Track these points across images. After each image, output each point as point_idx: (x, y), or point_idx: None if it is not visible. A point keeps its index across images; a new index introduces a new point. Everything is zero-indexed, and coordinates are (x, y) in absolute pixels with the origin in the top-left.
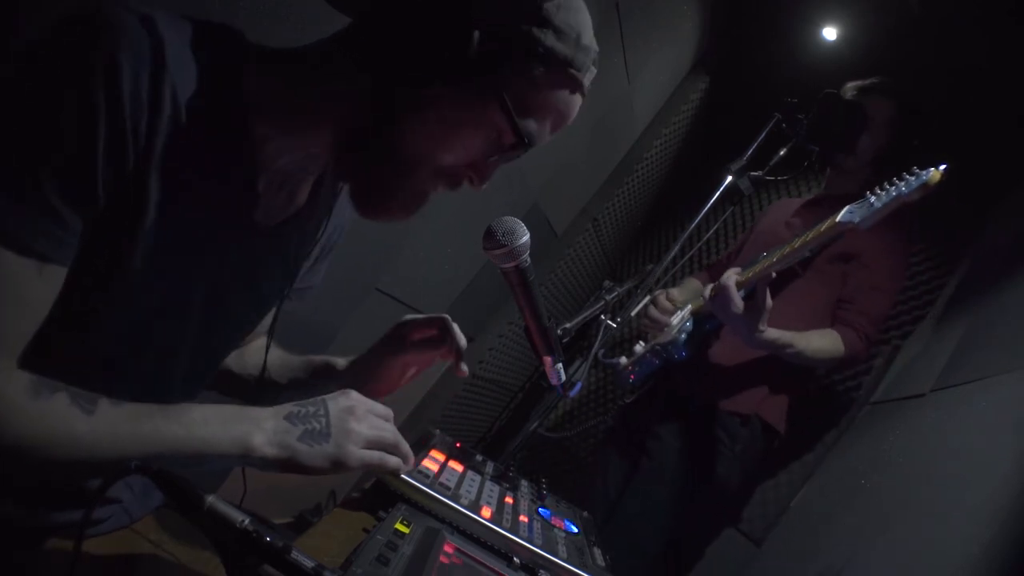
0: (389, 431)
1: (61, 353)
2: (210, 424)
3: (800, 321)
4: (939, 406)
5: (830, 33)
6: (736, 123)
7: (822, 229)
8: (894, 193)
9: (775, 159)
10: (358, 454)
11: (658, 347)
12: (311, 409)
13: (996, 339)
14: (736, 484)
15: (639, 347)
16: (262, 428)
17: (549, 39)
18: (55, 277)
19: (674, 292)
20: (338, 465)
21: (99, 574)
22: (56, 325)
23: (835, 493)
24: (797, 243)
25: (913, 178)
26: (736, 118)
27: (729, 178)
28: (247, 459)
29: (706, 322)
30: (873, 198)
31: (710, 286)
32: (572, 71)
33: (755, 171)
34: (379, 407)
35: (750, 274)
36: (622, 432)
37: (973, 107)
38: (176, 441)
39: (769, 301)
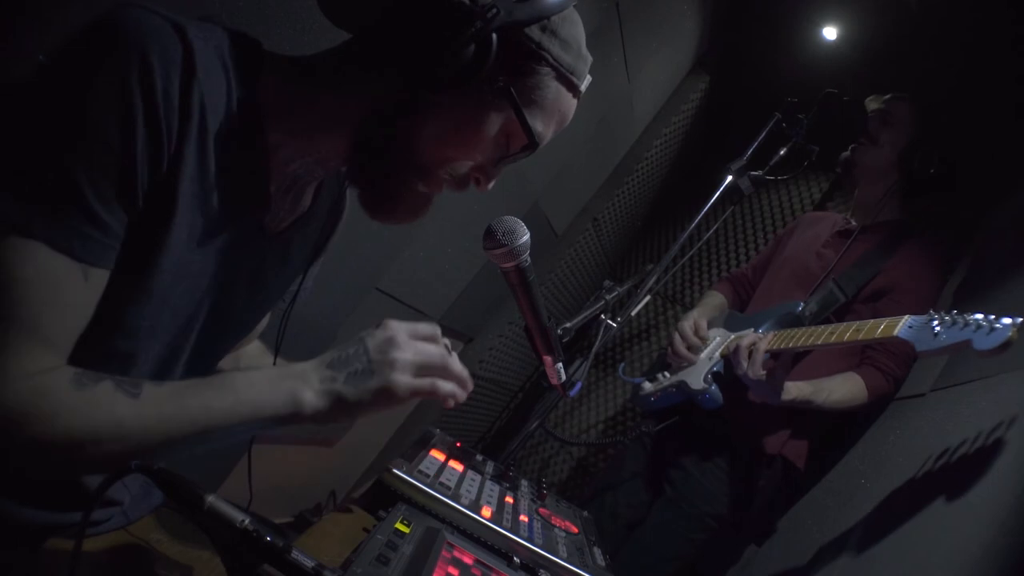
0: (436, 354)
1: (83, 350)
2: (257, 386)
3: (826, 366)
4: (939, 406)
5: (830, 33)
6: (736, 123)
7: (877, 333)
8: (962, 336)
9: (775, 159)
10: (406, 383)
11: (686, 390)
12: (351, 351)
13: None
14: (754, 520)
15: (664, 378)
16: (308, 381)
17: (556, 48)
18: (100, 281)
19: (702, 321)
20: (389, 397)
21: (99, 574)
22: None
23: (835, 493)
24: (838, 334)
25: (987, 326)
26: (736, 118)
27: (729, 178)
28: (299, 416)
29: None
30: (937, 324)
31: (730, 339)
32: (574, 79)
33: (755, 171)
34: (422, 327)
35: (777, 344)
36: (642, 455)
37: (973, 106)
38: (226, 410)
39: (785, 380)
